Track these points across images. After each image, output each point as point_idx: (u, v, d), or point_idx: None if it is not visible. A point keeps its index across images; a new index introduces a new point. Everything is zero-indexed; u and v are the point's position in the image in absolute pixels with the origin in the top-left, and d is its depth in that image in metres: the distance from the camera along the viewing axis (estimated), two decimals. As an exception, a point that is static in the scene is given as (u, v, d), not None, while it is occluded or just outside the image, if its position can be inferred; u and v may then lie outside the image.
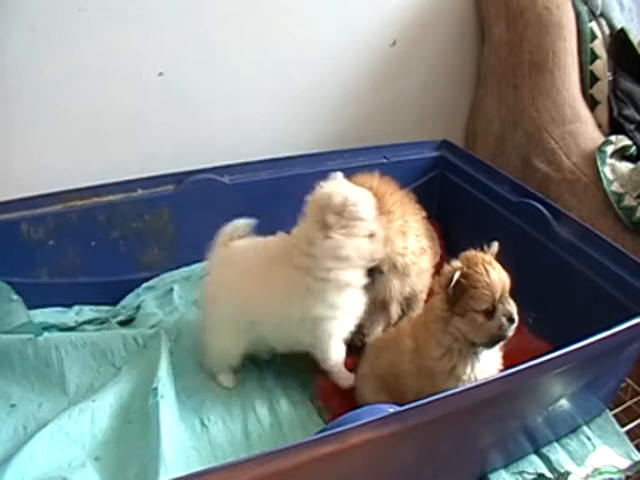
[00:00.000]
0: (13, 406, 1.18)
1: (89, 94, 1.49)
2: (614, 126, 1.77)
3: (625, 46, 1.87)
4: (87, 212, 1.43)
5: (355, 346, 1.26)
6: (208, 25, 1.56)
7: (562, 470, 1.12)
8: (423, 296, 1.36)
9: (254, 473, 0.83)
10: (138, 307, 1.43)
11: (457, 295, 1.01)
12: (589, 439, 1.19)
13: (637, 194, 1.52)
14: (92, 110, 1.51)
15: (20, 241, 1.37)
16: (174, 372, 1.25)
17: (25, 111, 1.45)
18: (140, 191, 1.48)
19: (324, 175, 1.58)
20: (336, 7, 1.70)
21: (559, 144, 1.69)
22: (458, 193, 1.67)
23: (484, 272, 1.01)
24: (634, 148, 1.69)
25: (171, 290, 1.47)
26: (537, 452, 1.16)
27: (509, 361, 1.09)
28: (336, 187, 1.16)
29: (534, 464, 1.13)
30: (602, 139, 1.68)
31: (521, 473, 1.12)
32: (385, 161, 1.62)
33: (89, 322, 1.39)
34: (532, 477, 1.12)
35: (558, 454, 1.15)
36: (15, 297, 1.32)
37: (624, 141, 1.68)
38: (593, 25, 1.84)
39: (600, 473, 1.15)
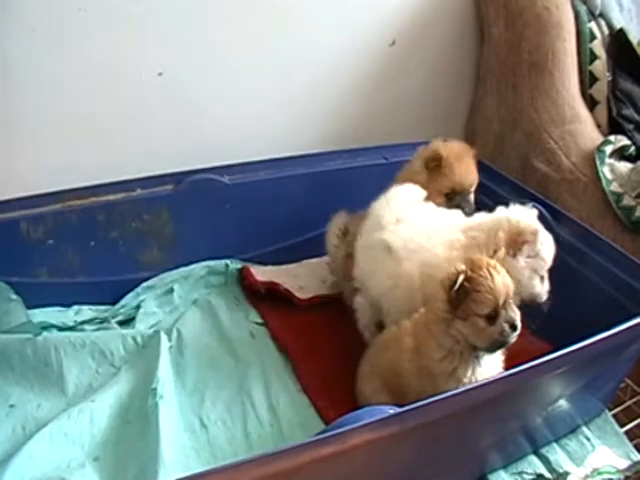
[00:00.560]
0: (12, 406, 1.18)
1: (88, 94, 1.49)
2: (613, 126, 1.77)
3: (624, 46, 1.87)
4: (86, 212, 1.43)
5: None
6: (208, 25, 1.56)
7: (561, 470, 1.12)
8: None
9: (254, 474, 0.82)
10: (138, 307, 1.43)
11: (460, 298, 1.01)
12: (588, 439, 1.19)
13: (636, 194, 1.52)
14: (91, 110, 1.50)
15: (19, 240, 1.37)
16: (174, 372, 1.25)
17: (24, 110, 1.44)
18: (139, 191, 1.48)
19: (324, 175, 1.60)
20: (336, 7, 1.69)
21: (558, 144, 1.69)
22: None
23: (488, 276, 1.00)
24: (633, 148, 1.69)
25: (171, 290, 1.47)
26: (536, 453, 1.16)
27: (509, 362, 1.08)
28: (534, 221, 1.19)
29: (533, 464, 1.13)
30: (601, 139, 1.68)
31: (520, 474, 1.11)
32: (384, 161, 1.62)
33: (88, 322, 1.38)
34: (531, 477, 1.11)
35: (557, 454, 1.15)
36: (14, 297, 1.32)
37: (623, 141, 1.68)
38: (592, 25, 1.84)
39: (599, 473, 1.14)
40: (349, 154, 1.63)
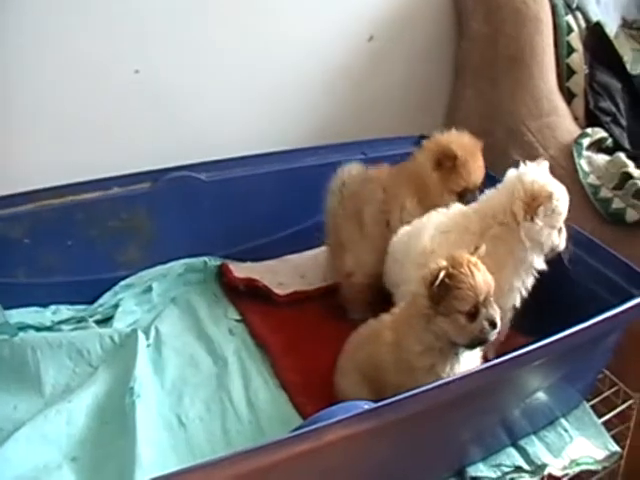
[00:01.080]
0: (-12, 408, 1.16)
1: (64, 92, 1.47)
2: (590, 118, 1.78)
3: (601, 39, 1.88)
4: (63, 211, 1.41)
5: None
6: (184, 23, 1.54)
7: (539, 462, 1.13)
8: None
9: (230, 472, 0.82)
10: (116, 305, 1.42)
11: (441, 294, 1.01)
12: (566, 431, 1.20)
13: (613, 186, 1.53)
14: (67, 108, 1.49)
15: (-5, 241, 1.36)
16: (152, 370, 1.25)
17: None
18: (116, 189, 1.46)
19: (302, 171, 1.59)
20: (313, 3, 1.69)
21: (536, 137, 1.70)
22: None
23: (469, 273, 1.01)
24: (610, 140, 1.70)
25: (150, 288, 1.46)
26: (515, 445, 1.16)
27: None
28: (546, 179, 1.23)
29: (512, 457, 1.14)
30: (579, 132, 1.69)
31: (499, 466, 1.12)
32: (363, 157, 1.61)
33: (66, 322, 1.37)
34: (509, 470, 1.12)
35: (536, 447, 1.16)
36: (-10, 298, 1.31)
37: (600, 133, 1.69)
38: (569, 18, 1.85)
39: (577, 464, 1.16)
40: (327, 150, 1.63)
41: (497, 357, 1.01)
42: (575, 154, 1.61)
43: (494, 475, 1.11)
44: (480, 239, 1.18)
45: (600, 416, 1.25)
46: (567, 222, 1.32)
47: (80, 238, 1.43)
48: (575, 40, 1.85)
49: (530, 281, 1.24)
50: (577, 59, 1.83)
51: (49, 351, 1.25)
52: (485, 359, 1.10)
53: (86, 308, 1.42)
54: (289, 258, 1.61)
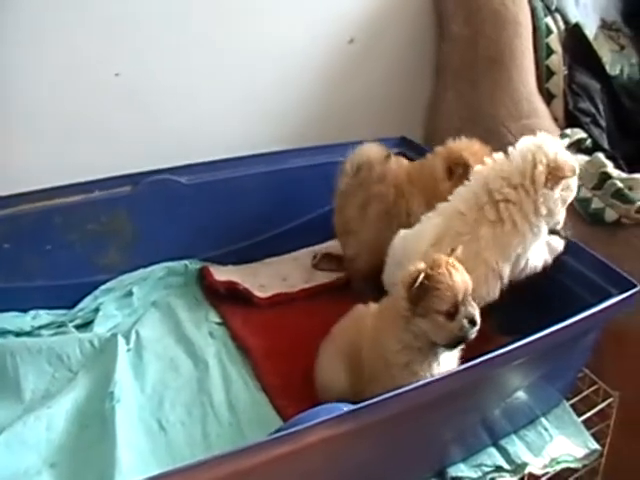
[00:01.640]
0: (-33, 415, 1.15)
1: (44, 95, 1.47)
2: (570, 119, 1.80)
3: (580, 41, 1.90)
4: (43, 215, 1.41)
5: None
6: (164, 25, 1.54)
7: (520, 461, 1.13)
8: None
9: (208, 476, 0.82)
10: (96, 310, 1.41)
11: (420, 295, 1.02)
12: (546, 430, 1.21)
13: (592, 186, 1.54)
14: (47, 111, 1.48)
15: (-26, 246, 1.35)
16: (132, 375, 1.24)
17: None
18: (97, 192, 1.46)
19: (283, 174, 1.59)
20: (294, 5, 1.69)
21: (517, 138, 1.68)
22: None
23: (447, 274, 1.02)
24: (589, 141, 1.71)
25: (130, 292, 1.46)
26: (495, 445, 1.17)
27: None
28: (564, 152, 1.23)
29: (492, 457, 1.14)
30: (558, 132, 1.70)
31: (479, 466, 1.12)
32: (343, 159, 1.61)
33: (46, 327, 1.36)
34: (490, 469, 1.12)
35: (516, 446, 1.16)
36: (-30, 303, 1.30)
37: (579, 134, 1.71)
38: (549, 20, 1.87)
39: (557, 462, 1.16)
40: (308, 152, 1.63)
41: (477, 357, 1.01)
42: (555, 155, 1.62)
43: (475, 475, 1.11)
44: (479, 213, 1.20)
45: (580, 414, 1.26)
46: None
47: (60, 242, 1.42)
48: (554, 42, 1.86)
49: (536, 252, 1.24)
50: (556, 60, 1.85)
51: (28, 356, 1.24)
52: (464, 359, 1.10)
53: (66, 313, 1.41)
54: (271, 261, 1.61)
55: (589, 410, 1.27)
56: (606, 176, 1.53)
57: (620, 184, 1.48)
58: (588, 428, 1.25)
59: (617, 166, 1.59)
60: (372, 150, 1.46)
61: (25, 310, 1.39)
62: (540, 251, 1.26)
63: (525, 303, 1.31)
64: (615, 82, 1.94)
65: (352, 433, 0.91)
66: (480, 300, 1.15)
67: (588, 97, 1.85)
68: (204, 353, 1.32)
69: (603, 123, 1.84)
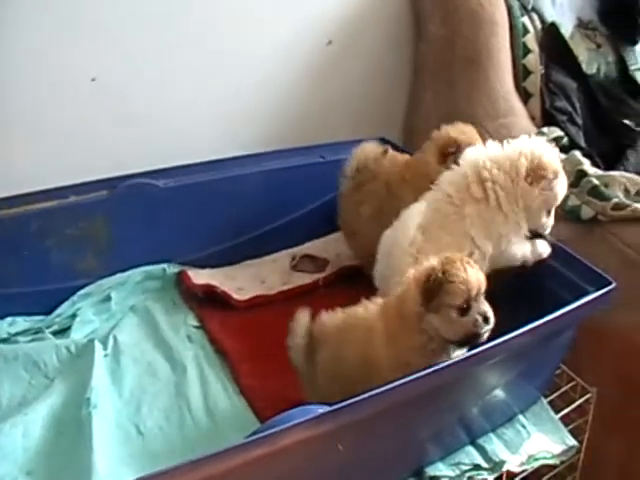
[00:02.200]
0: (-59, 423, 1.14)
1: (20, 99, 1.46)
2: (547, 118, 1.81)
3: (556, 40, 1.92)
4: (19, 220, 1.39)
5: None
6: (141, 28, 1.54)
7: (497, 459, 1.13)
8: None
9: (183, 480, 0.82)
10: (74, 315, 1.40)
11: (433, 290, 1.01)
12: (524, 427, 1.21)
13: (569, 184, 1.54)
14: (23, 116, 1.48)
15: (-51, 252, 1.33)
16: (110, 380, 1.23)
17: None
18: (73, 198, 1.45)
19: (261, 176, 1.59)
20: (272, 7, 1.69)
21: (494, 137, 1.69)
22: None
23: (462, 269, 1.02)
24: (566, 139, 1.72)
25: (108, 297, 1.45)
26: (473, 443, 1.17)
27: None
28: (554, 156, 1.25)
29: (470, 455, 1.14)
30: (535, 131, 1.71)
31: (457, 465, 1.12)
32: (322, 160, 1.62)
33: (22, 333, 1.35)
34: (468, 468, 1.12)
35: (494, 444, 1.16)
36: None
37: (556, 132, 1.71)
38: (525, 20, 1.88)
39: (535, 460, 1.16)
40: (286, 154, 1.63)
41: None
42: (532, 153, 1.63)
43: (453, 474, 1.11)
44: (466, 193, 1.22)
45: (558, 411, 1.27)
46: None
47: (36, 248, 1.41)
48: (531, 41, 1.88)
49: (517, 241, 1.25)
50: (533, 60, 1.86)
51: (4, 364, 1.23)
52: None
53: (43, 319, 1.40)
54: (250, 263, 1.60)
55: (567, 406, 1.28)
56: (582, 174, 1.54)
57: (596, 181, 1.49)
58: (566, 424, 1.25)
59: (594, 164, 1.60)
60: (368, 149, 1.48)
61: (1, 317, 1.38)
62: (522, 243, 1.26)
63: (502, 301, 1.31)
64: (591, 80, 1.96)
65: (328, 434, 0.91)
66: None
67: (565, 96, 1.86)
68: (182, 357, 1.31)
69: (580, 121, 1.85)
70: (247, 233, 1.59)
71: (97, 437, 1.08)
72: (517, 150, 1.22)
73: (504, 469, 1.13)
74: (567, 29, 1.99)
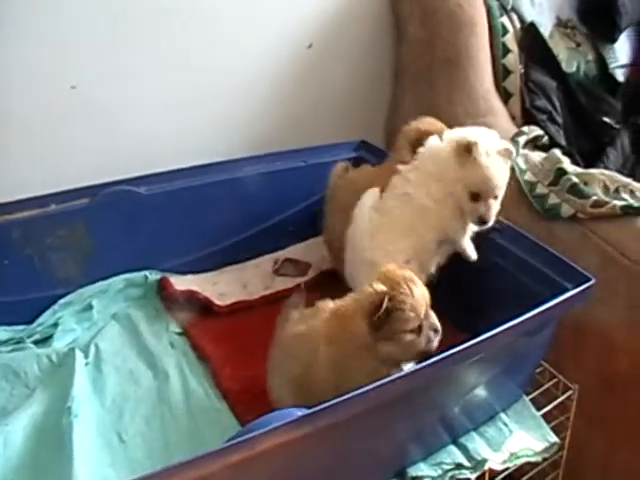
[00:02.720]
0: None
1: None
2: (527, 117, 1.82)
3: (536, 39, 1.93)
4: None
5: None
6: (121, 34, 1.54)
7: (479, 458, 1.14)
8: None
9: (161, 487, 0.82)
10: (55, 324, 1.40)
11: (383, 320, 1.00)
12: (506, 425, 1.21)
13: (548, 182, 1.55)
14: (2, 124, 1.47)
15: None
16: (91, 389, 1.23)
17: None
18: (54, 206, 1.44)
19: (242, 181, 1.59)
20: (252, 11, 1.69)
21: None
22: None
23: (409, 292, 1.00)
24: (546, 138, 1.73)
25: (90, 305, 1.44)
26: (455, 442, 1.17)
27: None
28: (485, 138, 1.29)
29: (452, 454, 1.15)
30: (515, 130, 1.72)
31: (439, 464, 1.12)
32: (303, 164, 1.62)
33: (3, 343, 1.34)
34: (450, 467, 1.12)
35: (476, 443, 1.17)
36: None
37: (536, 131, 1.72)
38: (504, 20, 1.89)
39: (517, 457, 1.17)
40: (267, 159, 1.63)
41: (433, 355, 1.02)
42: (512, 152, 1.64)
43: (435, 474, 1.11)
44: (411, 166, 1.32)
45: (540, 408, 1.27)
46: (504, 219, 1.35)
47: (17, 257, 1.41)
48: (510, 41, 1.88)
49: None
50: (513, 59, 1.87)
51: (-16, 375, 1.23)
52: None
53: (24, 328, 1.39)
54: (231, 268, 1.60)
55: (549, 403, 1.28)
56: (562, 172, 1.55)
57: (575, 179, 1.49)
58: (548, 421, 1.26)
59: (574, 162, 1.61)
60: (336, 169, 1.52)
61: (-18, 327, 1.38)
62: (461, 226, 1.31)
63: (481, 299, 1.32)
64: (571, 79, 1.97)
65: (307, 437, 0.91)
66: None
67: (544, 95, 1.87)
68: (164, 364, 1.31)
69: (560, 120, 1.86)
70: (229, 238, 1.59)
71: (78, 446, 1.08)
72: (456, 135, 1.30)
73: (486, 467, 1.13)
74: (546, 28, 2.01)
